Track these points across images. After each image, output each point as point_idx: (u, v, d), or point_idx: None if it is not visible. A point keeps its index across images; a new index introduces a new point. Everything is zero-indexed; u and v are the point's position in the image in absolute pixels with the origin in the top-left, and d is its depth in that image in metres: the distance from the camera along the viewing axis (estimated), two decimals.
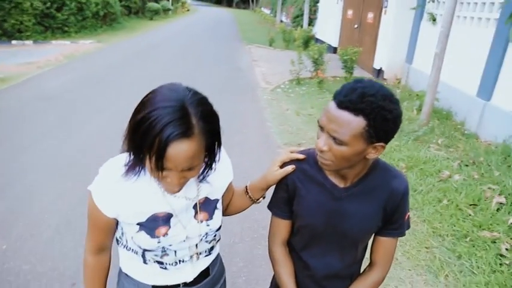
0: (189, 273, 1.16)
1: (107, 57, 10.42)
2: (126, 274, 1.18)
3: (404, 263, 2.67)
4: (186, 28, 19.71)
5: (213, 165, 1.06)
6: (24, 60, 9.16)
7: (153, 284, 1.14)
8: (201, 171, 1.03)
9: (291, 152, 1.19)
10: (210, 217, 1.13)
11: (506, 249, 2.72)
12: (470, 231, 2.93)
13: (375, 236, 1.22)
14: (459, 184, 3.58)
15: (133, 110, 0.91)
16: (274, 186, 1.22)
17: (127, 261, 1.15)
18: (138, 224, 1.03)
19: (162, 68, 9.10)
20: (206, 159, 1.01)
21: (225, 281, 1.36)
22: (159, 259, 1.09)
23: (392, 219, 1.16)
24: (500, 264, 2.61)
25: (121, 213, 1.03)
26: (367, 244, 1.27)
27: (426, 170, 3.89)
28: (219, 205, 1.17)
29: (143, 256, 1.09)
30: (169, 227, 1.05)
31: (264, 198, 1.27)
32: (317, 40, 13.60)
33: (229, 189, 1.25)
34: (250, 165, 3.97)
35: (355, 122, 0.95)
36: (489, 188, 3.46)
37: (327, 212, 1.14)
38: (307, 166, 1.17)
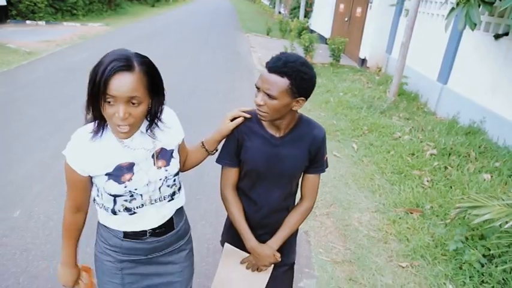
0: (154, 218, 1.33)
1: (117, 39, 11.33)
2: (102, 224, 1.36)
3: (353, 186, 3.72)
4: (187, 16, 20.50)
5: (159, 117, 1.27)
6: (42, 38, 10.05)
7: (124, 230, 1.32)
8: (148, 124, 1.26)
9: (240, 110, 1.47)
10: (168, 164, 1.31)
11: (427, 180, 3.78)
12: (405, 170, 3.99)
13: (303, 174, 1.54)
14: (406, 142, 4.64)
15: None
16: (223, 141, 1.52)
17: (102, 216, 1.34)
18: (106, 174, 1.21)
19: (167, 50, 10.02)
20: (150, 111, 1.23)
21: (190, 238, 1.55)
22: (127, 204, 1.27)
23: (315, 159, 1.49)
24: (422, 187, 3.66)
25: (92, 170, 1.21)
26: (298, 181, 1.57)
27: (383, 132, 4.95)
28: (175, 154, 1.35)
29: (113, 208, 1.27)
30: (133, 173, 1.23)
31: (216, 150, 1.52)
32: (311, 31, 14.53)
33: (183, 147, 1.46)
34: None
35: (281, 82, 1.28)
36: (427, 144, 4.52)
37: (267, 156, 1.44)
38: (251, 123, 1.47)
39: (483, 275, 2.55)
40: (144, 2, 24.40)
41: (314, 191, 1.55)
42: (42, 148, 4.08)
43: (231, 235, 1.59)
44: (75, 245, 1.39)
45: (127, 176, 1.22)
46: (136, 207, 1.28)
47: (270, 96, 1.30)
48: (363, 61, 9.86)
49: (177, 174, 1.35)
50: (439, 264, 2.71)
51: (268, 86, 1.29)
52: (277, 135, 1.45)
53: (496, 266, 2.56)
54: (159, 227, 1.34)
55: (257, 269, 1.55)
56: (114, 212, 1.28)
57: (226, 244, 1.61)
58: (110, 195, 1.23)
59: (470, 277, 2.56)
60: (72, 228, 1.35)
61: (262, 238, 1.52)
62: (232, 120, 1.46)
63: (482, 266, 2.60)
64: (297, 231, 1.62)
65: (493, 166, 4.03)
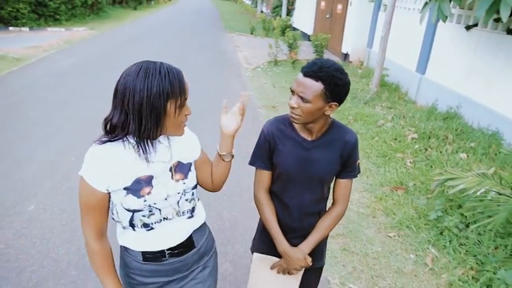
0: (172, 236, 1.30)
1: (103, 43, 11.42)
2: (123, 247, 1.33)
3: None
4: (170, 18, 20.57)
5: None
6: (28, 44, 10.08)
7: (141, 250, 1.28)
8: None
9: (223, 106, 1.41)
10: (185, 177, 1.30)
11: (410, 161, 4.11)
12: (389, 153, 4.31)
13: (335, 179, 1.55)
14: (389, 128, 4.97)
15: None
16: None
17: (120, 234, 1.30)
18: (124, 188, 1.18)
19: (154, 51, 10.18)
20: None
21: (214, 254, 1.51)
22: (146, 220, 1.23)
23: (347, 164, 1.49)
24: (405, 167, 3.99)
25: (110, 184, 1.17)
26: (329, 186, 1.57)
27: (367, 121, 5.28)
28: (193, 168, 1.35)
29: (131, 223, 1.23)
30: (152, 186, 1.20)
31: (233, 157, 1.43)
32: (294, 29, 14.83)
33: (205, 161, 1.43)
34: None
35: (316, 86, 1.31)
36: (408, 130, 4.86)
37: (299, 159, 1.46)
38: (283, 126, 1.50)
39: (461, 239, 2.87)
40: (126, 6, 24.37)
41: (346, 196, 1.54)
42: (46, 148, 4.26)
43: (263, 239, 1.62)
44: (115, 276, 1.31)
45: (146, 190, 1.19)
46: (155, 223, 1.25)
47: (303, 99, 1.33)
48: (346, 56, 10.22)
49: (195, 187, 1.34)
50: (422, 232, 3.02)
51: (303, 90, 1.33)
52: (309, 138, 1.47)
53: (472, 230, 2.89)
54: (178, 246, 1.31)
55: (288, 273, 1.55)
56: (132, 226, 1.25)
57: (255, 254, 1.64)
58: (129, 210, 1.20)
59: (449, 241, 2.87)
60: (105, 258, 1.27)
61: (294, 242, 1.53)
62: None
63: (460, 230, 2.93)
64: (327, 236, 1.63)
65: (468, 146, 4.39)
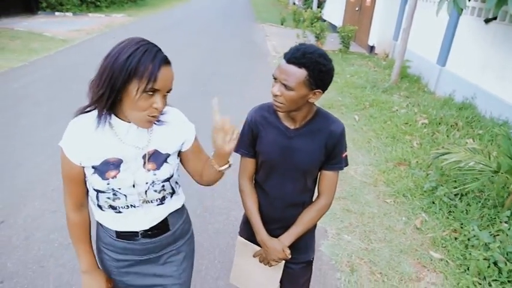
0: (143, 220, 1.26)
1: (141, 28, 12.11)
2: (97, 221, 1.31)
3: (352, 147, 4.38)
4: (203, 7, 21.15)
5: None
6: (72, 28, 10.90)
7: (115, 229, 1.27)
8: None
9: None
10: (158, 168, 1.21)
11: (417, 143, 4.42)
12: (398, 135, 4.63)
13: (320, 171, 1.48)
14: (402, 114, 5.27)
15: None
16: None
17: (95, 210, 1.29)
18: (92, 167, 1.15)
19: (189, 39, 10.74)
20: None
21: (191, 238, 1.47)
22: (111, 202, 1.20)
23: (332, 156, 1.43)
24: (411, 147, 4.31)
25: (82, 159, 1.15)
26: (315, 177, 1.52)
27: (383, 107, 5.59)
28: (170, 160, 1.24)
29: (98, 204, 1.22)
30: (119, 171, 1.16)
31: (230, 166, 1.27)
32: (324, 21, 15.05)
33: (197, 155, 1.32)
34: (259, 98, 5.67)
35: (299, 73, 1.25)
36: (420, 116, 5.14)
37: (281, 148, 1.42)
38: (267, 114, 1.46)
39: (450, 207, 3.20)
40: None
41: (331, 189, 1.48)
42: None
43: (248, 228, 1.59)
44: (90, 247, 1.32)
45: (112, 173, 1.15)
46: (121, 207, 1.22)
47: (286, 87, 1.28)
48: (372, 48, 10.40)
49: (167, 180, 1.24)
50: (416, 201, 3.37)
51: (286, 77, 1.27)
52: (292, 127, 1.42)
53: (460, 199, 3.22)
54: (151, 228, 1.28)
55: (268, 263, 1.53)
56: (100, 207, 1.24)
57: (238, 237, 1.64)
58: (94, 189, 1.18)
59: (440, 209, 3.21)
60: (81, 229, 1.28)
61: (276, 233, 1.50)
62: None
63: (451, 200, 3.26)
64: (314, 228, 1.60)
65: (476, 133, 4.63)
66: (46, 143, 4.02)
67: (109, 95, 1.06)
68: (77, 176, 1.18)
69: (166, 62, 1.08)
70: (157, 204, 1.27)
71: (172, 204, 1.33)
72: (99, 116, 1.12)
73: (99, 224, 1.32)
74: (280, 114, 1.43)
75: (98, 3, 16.10)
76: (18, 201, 3.09)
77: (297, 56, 1.26)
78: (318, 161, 1.43)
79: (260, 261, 1.55)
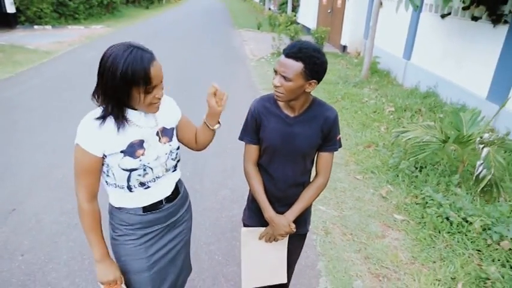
0: (166, 188, 1.49)
1: (121, 39, 11.67)
2: (118, 208, 1.44)
3: None
4: (181, 16, 21.44)
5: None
6: (53, 40, 11.07)
7: (142, 205, 1.43)
8: None
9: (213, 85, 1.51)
10: (170, 139, 1.47)
11: (384, 128, 4.88)
12: (368, 122, 5.09)
13: (318, 152, 1.65)
14: (371, 104, 5.75)
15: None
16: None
17: (117, 197, 1.42)
18: (121, 151, 1.32)
19: (170, 47, 11.04)
20: None
21: (190, 202, 1.70)
22: (141, 179, 1.38)
23: (328, 138, 1.59)
24: (379, 132, 4.76)
25: (106, 148, 1.31)
26: (313, 159, 1.68)
27: (354, 99, 6.06)
28: (175, 132, 1.52)
29: (128, 185, 1.38)
30: (144, 149, 1.36)
31: (219, 125, 1.59)
32: (298, 24, 15.61)
33: (187, 124, 1.59)
34: (241, 97, 6.06)
35: (296, 65, 1.42)
36: (388, 105, 5.62)
37: (282, 134, 1.57)
38: (268, 104, 1.61)
39: (412, 178, 3.65)
40: (139, 5, 25.41)
41: (328, 168, 1.65)
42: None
43: (253, 209, 1.76)
44: (102, 237, 1.42)
45: (140, 151, 1.34)
46: (149, 181, 1.41)
47: (286, 78, 1.43)
48: (344, 47, 10.96)
49: (178, 148, 1.51)
50: (383, 175, 3.80)
51: (285, 69, 1.43)
52: (292, 115, 1.58)
53: (420, 171, 3.67)
54: (171, 193, 1.51)
55: (274, 239, 1.68)
56: (130, 189, 1.38)
57: (242, 228, 1.77)
58: (126, 170, 1.33)
59: (403, 180, 3.65)
60: (95, 219, 1.39)
61: (280, 210, 1.66)
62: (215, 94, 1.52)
63: (412, 172, 3.70)
64: (310, 205, 1.74)
65: (438, 117, 5.13)
66: (44, 145, 4.29)
67: (117, 105, 1.28)
68: (95, 168, 1.33)
69: (152, 59, 1.25)
70: (173, 171, 1.52)
71: (179, 171, 1.59)
72: (111, 112, 1.29)
73: (118, 211, 1.44)
74: (281, 104, 1.59)
75: (76, 15, 16.24)
76: (26, 193, 3.38)
77: (294, 51, 1.42)
78: (315, 144, 1.59)
79: (266, 241, 1.70)
